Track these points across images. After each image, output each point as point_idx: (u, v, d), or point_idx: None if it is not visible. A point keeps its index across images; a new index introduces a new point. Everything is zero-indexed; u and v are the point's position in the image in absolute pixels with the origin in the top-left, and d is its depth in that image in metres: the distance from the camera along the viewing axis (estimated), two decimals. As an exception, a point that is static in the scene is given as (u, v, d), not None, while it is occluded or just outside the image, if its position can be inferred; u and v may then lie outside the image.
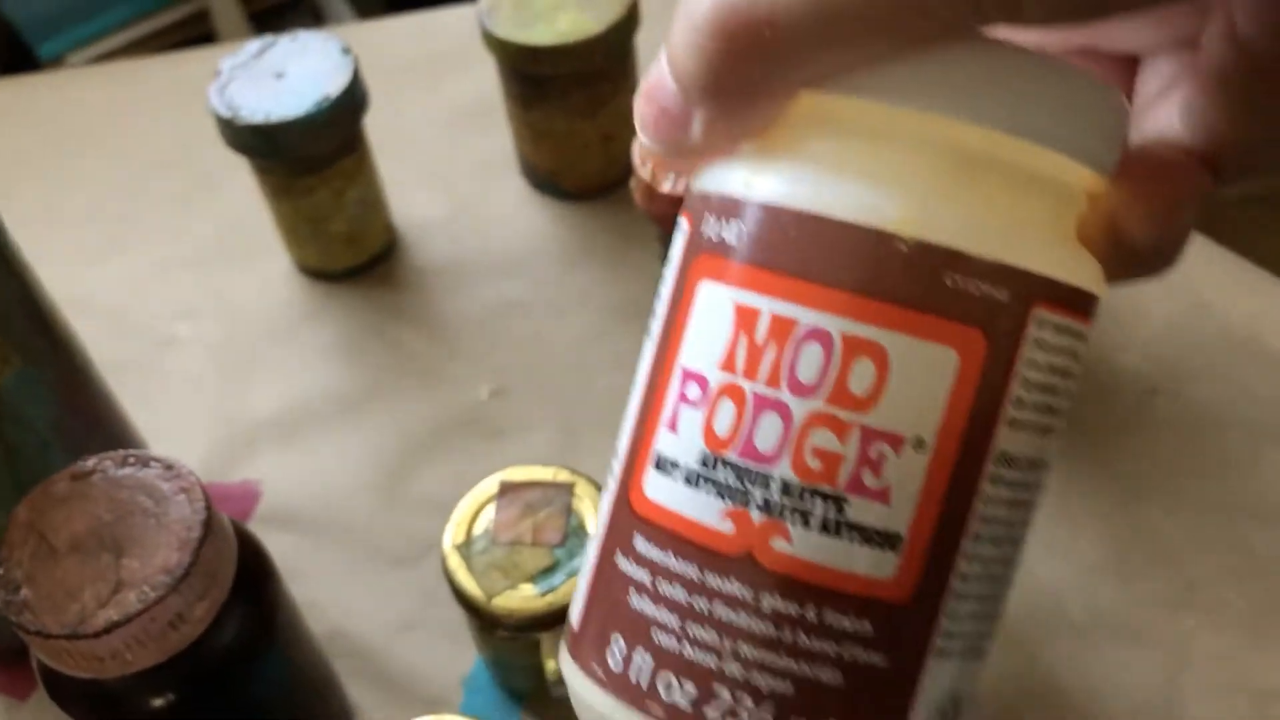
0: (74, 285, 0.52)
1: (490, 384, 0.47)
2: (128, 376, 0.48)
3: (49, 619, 0.28)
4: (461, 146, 0.57)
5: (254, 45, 0.47)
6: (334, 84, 0.45)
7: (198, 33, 1.12)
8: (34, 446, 0.35)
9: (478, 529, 0.36)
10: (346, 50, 0.47)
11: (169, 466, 0.31)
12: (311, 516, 0.44)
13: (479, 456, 0.45)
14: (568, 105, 0.49)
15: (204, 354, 0.49)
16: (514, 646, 0.36)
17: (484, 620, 0.35)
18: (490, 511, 0.36)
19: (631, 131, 0.54)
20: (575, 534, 0.35)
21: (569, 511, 0.36)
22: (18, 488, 0.35)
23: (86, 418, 0.38)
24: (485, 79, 0.58)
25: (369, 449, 0.46)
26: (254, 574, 0.32)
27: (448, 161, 0.56)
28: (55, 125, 0.61)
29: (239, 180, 0.55)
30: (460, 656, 0.40)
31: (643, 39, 0.50)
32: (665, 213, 0.39)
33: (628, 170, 0.54)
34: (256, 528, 0.43)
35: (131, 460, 0.31)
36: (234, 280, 0.52)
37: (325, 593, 0.42)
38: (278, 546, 0.43)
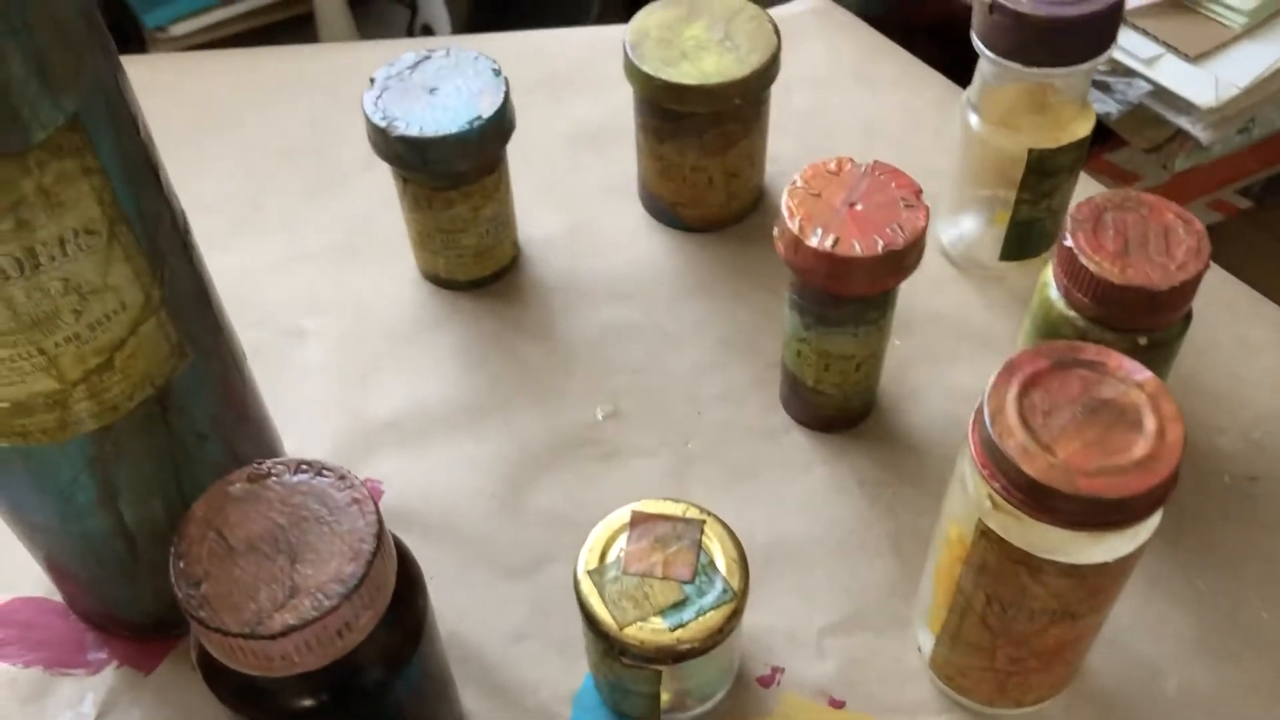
0: (206, 270, 0.53)
1: (605, 406, 0.49)
2: (255, 364, 0.50)
3: (228, 617, 0.30)
4: (584, 168, 0.58)
5: (409, 58, 0.49)
6: (486, 104, 0.47)
7: (300, 10, 1.14)
8: (193, 438, 0.37)
9: (610, 556, 0.37)
10: (498, 71, 0.48)
11: (341, 476, 0.32)
12: (430, 520, 0.45)
13: (593, 477, 0.46)
14: (700, 142, 0.51)
15: (330, 349, 0.51)
16: (635, 675, 0.37)
17: (611, 646, 0.36)
18: (622, 541, 0.38)
19: (755, 171, 0.56)
20: (704, 572, 0.37)
21: (699, 548, 0.37)
22: (176, 478, 0.37)
23: (238, 411, 0.39)
24: (612, 103, 0.60)
25: (487, 458, 0.47)
26: (408, 585, 0.33)
27: (570, 182, 0.57)
28: (185, 108, 0.62)
29: (368, 179, 0.57)
30: (570, 671, 0.41)
31: (775, 94, 0.51)
32: (808, 266, 0.40)
33: (746, 208, 0.55)
34: (376, 527, 0.45)
35: (304, 467, 0.33)
36: (360, 279, 0.53)
37: (441, 597, 0.43)
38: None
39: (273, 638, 0.29)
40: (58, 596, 0.43)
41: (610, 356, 0.50)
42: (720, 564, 0.37)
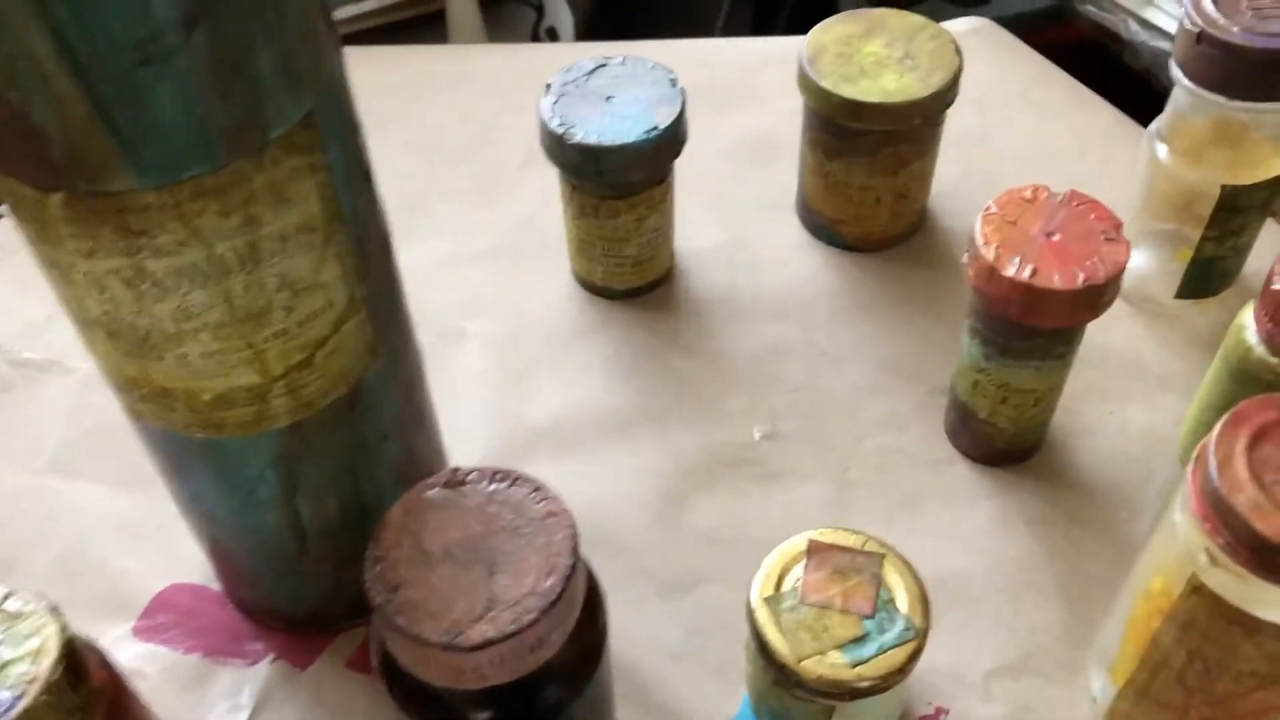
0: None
1: (763, 425, 0.48)
2: (414, 364, 0.50)
3: (426, 625, 0.29)
4: (743, 180, 0.57)
5: (586, 64, 0.48)
6: (663, 115, 0.46)
7: (431, 9, 1.15)
8: (376, 438, 0.37)
9: (786, 584, 0.36)
10: (675, 82, 0.48)
11: (537, 488, 0.32)
12: (586, 530, 0.45)
13: (751, 497, 0.46)
14: (871, 161, 0.50)
15: (488, 353, 0.51)
16: (805, 708, 0.36)
17: (786, 678, 0.35)
18: (799, 569, 0.37)
19: (923, 194, 0.55)
20: (885, 608, 0.36)
21: (879, 583, 0.36)
22: (354, 476, 0.37)
23: (418, 413, 0.39)
24: (774, 116, 0.59)
25: (642, 470, 0.47)
26: (592, 602, 0.33)
27: (728, 194, 0.57)
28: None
29: (531, 181, 0.56)
30: (727, 696, 0.41)
31: (952, 108, 0.50)
32: (1003, 295, 0.39)
33: (910, 230, 0.54)
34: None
35: (500, 476, 0.32)
36: (520, 282, 0.53)
37: (595, 610, 0.43)
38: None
39: (470, 650, 0.29)
40: (215, 585, 0.44)
41: (767, 374, 0.50)
42: (902, 601, 0.36)
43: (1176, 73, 0.44)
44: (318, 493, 0.37)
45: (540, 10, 1.26)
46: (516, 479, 0.32)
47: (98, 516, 0.46)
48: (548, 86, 0.48)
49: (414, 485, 0.33)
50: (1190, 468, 0.32)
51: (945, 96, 0.48)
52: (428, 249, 0.54)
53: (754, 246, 0.54)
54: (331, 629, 0.43)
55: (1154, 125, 0.47)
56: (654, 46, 0.65)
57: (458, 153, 0.59)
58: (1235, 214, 0.46)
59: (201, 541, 0.41)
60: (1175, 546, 0.33)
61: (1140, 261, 0.50)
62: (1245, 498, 0.30)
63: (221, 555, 0.41)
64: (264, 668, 0.42)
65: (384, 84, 0.64)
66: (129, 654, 0.42)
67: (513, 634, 0.29)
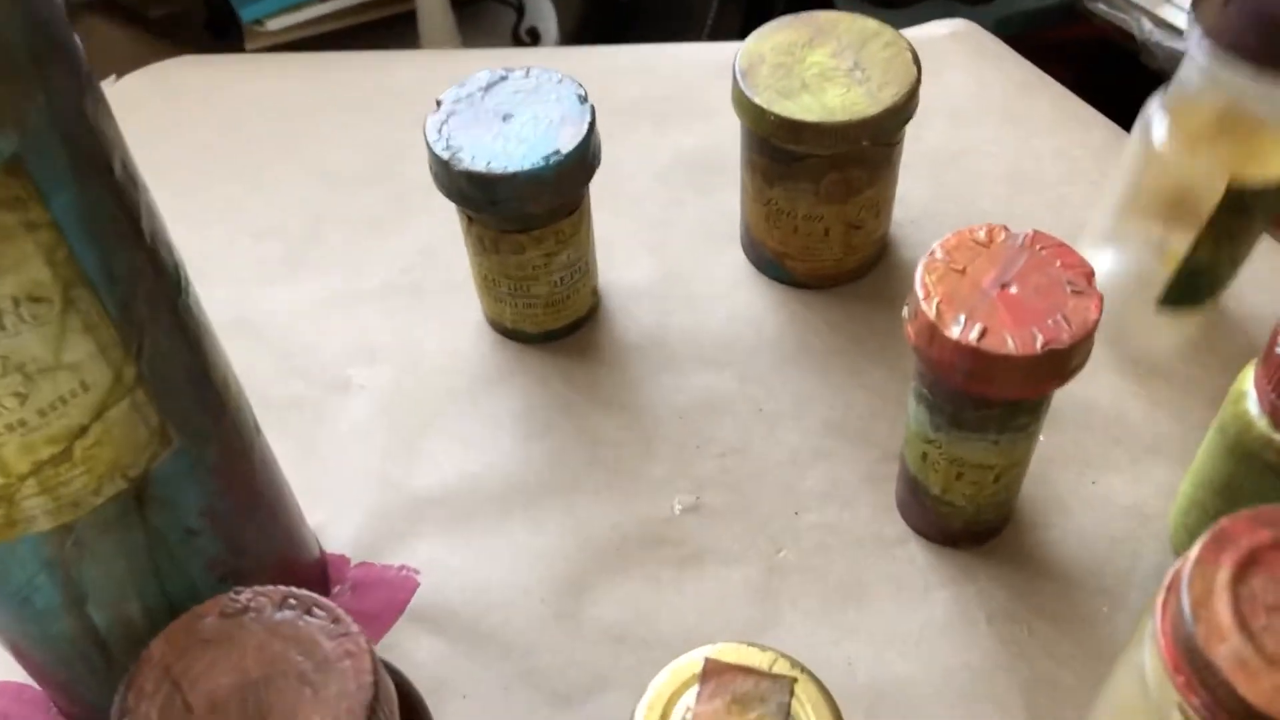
0: (245, 306, 0.48)
1: (685, 496, 0.41)
2: (288, 419, 0.44)
3: (173, 803, 0.23)
4: (679, 206, 0.51)
5: (482, 77, 0.42)
6: (567, 137, 0.40)
7: (401, 9, 1.09)
8: (179, 534, 0.31)
9: (674, 715, 0.30)
10: (585, 98, 0.41)
11: (336, 619, 0.26)
12: (469, 623, 0.39)
13: (665, 585, 0.39)
14: (817, 188, 0.43)
15: (375, 405, 0.44)
16: None
17: (668, 836, 0.29)
18: (690, 696, 0.30)
19: (879, 223, 0.47)
20: (791, 749, 0.29)
21: (786, 715, 0.30)
22: (157, 577, 0.31)
23: (242, 499, 0.33)
24: (720, 132, 0.52)
25: (542, 551, 0.40)
26: (413, 756, 0.27)
27: (664, 220, 0.50)
28: (249, 114, 0.57)
29: (436, 208, 0.50)
30: (619, 835, 0.34)
31: (911, 126, 0.43)
32: (945, 360, 0.32)
33: (866, 264, 0.47)
34: (407, 627, 0.39)
35: (292, 602, 0.26)
36: (419, 325, 0.47)
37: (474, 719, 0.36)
38: (428, 653, 0.38)
39: (224, 840, 0.23)
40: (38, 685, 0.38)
41: (695, 434, 0.43)
42: (811, 738, 0.29)
43: (1193, 38, 0.37)
44: (112, 599, 0.30)
45: (520, 10, 1.20)
46: (313, 606, 0.26)
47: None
48: (438, 103, 0.41)
49: (249, 580, 0.27)
50: (1159, 598, 0.25)
51: (899, 114, 0.41)
52: (316, 286, 0.48)
53: (691, 282, 0.48)
54: (166, 741, 0.36)
55: (1151, 103, 0.40)
56: (591, 54, 0.59)
57: (361, 176, 0.53)
58: (1238, 216, 0.39)
59: (3, 643, 0.35)
60: (1144, 694, 0.26)
61: (1120, 262, 0.43)
62: (1228, 649, 0.23)
63: (25, 660, 0.35)
64: (87, 787, 0.36)
65: (290, 96, 0.58)
66: (-70, 770, 0.36)
67: (278, 820, 0.23)
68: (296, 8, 1.03)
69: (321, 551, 0.40)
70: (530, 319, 0.45)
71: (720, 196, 0.50)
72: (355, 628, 0.25)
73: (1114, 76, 0.80)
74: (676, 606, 0.39)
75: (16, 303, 0.24)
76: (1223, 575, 0.24)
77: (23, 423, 0.25)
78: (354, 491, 0.42)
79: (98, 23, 1.04)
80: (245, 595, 0.26)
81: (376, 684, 0.25)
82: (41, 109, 0.23)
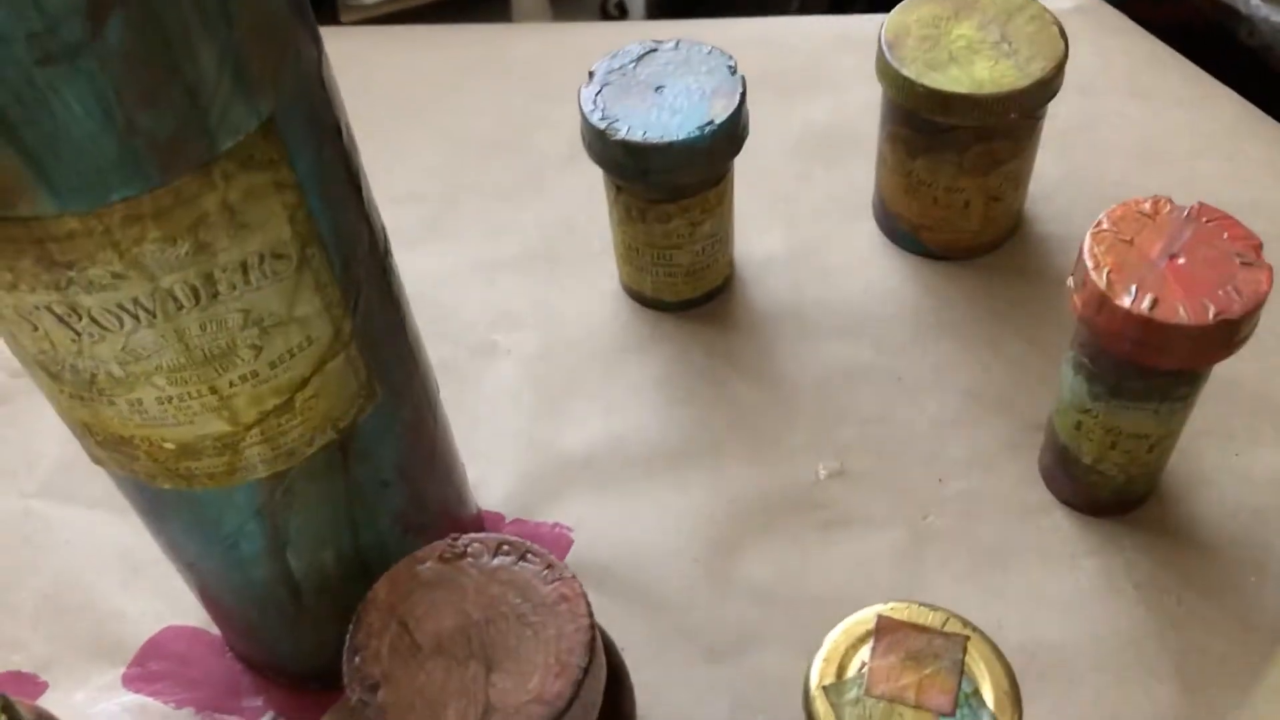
0: (393, 271, 0.49)
1: (829, 463, 0.42)
2: (443, 385, 0.45)
3: (409, 734, 0.25)
4: (811, 178, 0.51)
5: (634, 49, 0.43)
6: (720, 108, 0.41)
7: (493, -17, 1.10)
8: (375, 486, 0.32)
9: (850, 670, 0.31)
10: (735, 69, 0.42)
11: (549, 564, 0.27)
12: (623, 578, 0.40)
13: (812, 548, 0.40)
14: (961, 160, 0.43)
15: (521, 369, 0.46)
16: (871, 816, 0.30)
17: (847, 784, 0.30)
18: (865, 652, 0.31)
19: (1018, 196, 0.47)
20: (967, 703, 0.30)
21: (961, 673, 0.31)
22: (352, 527, 0.32)
23: (428, 455, 0.34)
24: (849, 105, 0.53)
25: (691, 512, 0.41)
26: (615, 696, 0.28)
27: (795, 194, 0.51)
28: (376, 91, 0.58)
29: (573, 178, 0.51)
30: (779, 786, 0.35)
31: (1055, 100, 0.43)
32: (1115, 330, 0.33)
33: (1002, 236, 0.47)
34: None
35: (506, 548, 0.27)
36: (558, 292, 0.48)
37: (632, 673, 0.38)
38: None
39: (459, 769, 0.24)
40: (215, 629, 0.39)
41: (835, 403, 0.44)
42: (988, 696, 0.30)
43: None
44: (311, 547, 0.32)
45: (610, -16, 1.21)
46: (526, 552, 0.27)
47: (91, 547, 0.42)
48: (590, 74, 0.42)
49: (425, 534, 0.29)
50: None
51: (1048, 87, 0.42)
52: (456, 252, 0.49)
53: (823, 254, 0.49)
54: (336, 687, 0.38)
55: None
56: (713, 26, 0.60)
57: (493, 146, 0.54)
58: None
59: (191, 587, 0.36)
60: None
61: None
62: None
63: (212, 605, 0.36)
64: (262, 727, 0.37)
65: (414, 69, 0.59)
66: (114, 706, 0.38)
67: (510, 753, 0.24)
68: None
69: (479, 509, 0.41)
70: (670, 288, 0.46)
71: (850, 169, 0.51)
72: (569, 573, 0.26)
73: (1215, 55, 0.79)
74: (824, 568, 0.40)
75: (261, 259, 0.25)
76: None
77: (255, 374, 0.27)
78: (505, 451, 0.43)
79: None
80: (462, 541, 0.27)
81: (593, 626, 0.26)
82: (292, 70, 0.24)
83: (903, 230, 0.48)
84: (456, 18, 1.08)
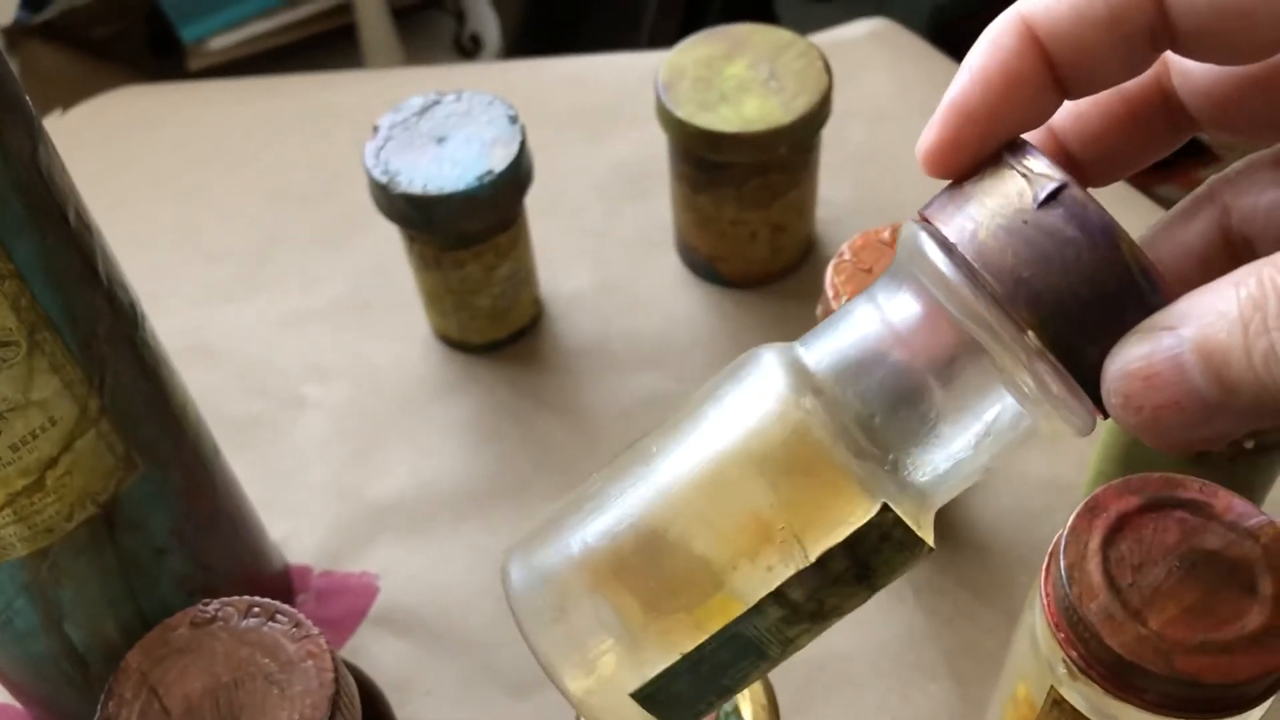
0: (200, 328, 0.50)
1: (630, 492, 0.44)
2: (248, 437, 0.46)
3: (155, 800, 0.25)
4: (617, 214, 0.53)
5: (416, 102, 0.44)
6: (499, 157, 0.42)
7: (341, 22, 1.10)
8: (149, 554, 0.33)
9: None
10: (515, 119, 0.43)
11: (298, 624, 0.28)
12: (429, 624, 0.41)
13: (613, 576, 0.41)
14: (741, 194, 0.45)
15: (331, 420, 0.46)
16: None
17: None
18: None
19: (804, 223, 0.50)
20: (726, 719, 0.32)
21: (721, 692, 0.32)
22: (131, 596, 0.33)
23: (207, 518, 0.35)
24: (652, 141, 0.55)
25: (497, 551, 0.42)
26: (376, 745, 0.29)
27: (600, 229, 0.52)
28: (196, 140, 0.59)
29: (385, 226, 0.52)
30: (577, 812, 0.36)
31: (827, 131, 0.46)
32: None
33: (794, 261, 0.50)
34: (370, 629, 0.41)
35: (257, 610, 0.28)
36: (369, 340, 0.49)
37: (438, 714, 0.39)
38: (392, 653, 0.40)
39: (203, 830, 0.25)
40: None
41: (638, 433, 0.45)
42: (746, 712, 0.32)
43: None
44: (89, 619, 0.32)
45: (461, 18, 1.22)
46: (276, 613, 0.28)
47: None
48: (375, 129, 0.43)
49: (217, 596, 0.29)
50: (1044, 564, 0.28)
51: (813, 121, 0.44)
52: (267, 305, 0.50)
53: (629, 288, 0.50)
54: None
55: None
56: (528, 66, 0.61)
57: (309, 197, 0.55)
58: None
59: (-15, 664, 0.36)
60: (1036, 653, 0.29)
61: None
62: (1097, 605, 0.26)
63: (5, 680, 0.37)
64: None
65: (239, 122, 0.59)
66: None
67: (253, 810, 0.25)
68: (237, 26, 1.04)
69: (285, 563, 0.42)
70: (475, 330, 0.47)
71: (655, 203, 0.53)
72: (315, 630, 0.27)
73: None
74: (624, 596, 0.41)
75: (-15, 348, 0.26)
76: (1095, 540, 0.27)
77: (-4, 458, 0.27)
78: (314, 503, 0.44)
79: (40, 48, 1.05)
80: (213, 606, 0.28)
81: (338, 680, 0.27)
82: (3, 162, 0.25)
83: (700, 261, 0.50)
84: (306, 59, 1.09)
